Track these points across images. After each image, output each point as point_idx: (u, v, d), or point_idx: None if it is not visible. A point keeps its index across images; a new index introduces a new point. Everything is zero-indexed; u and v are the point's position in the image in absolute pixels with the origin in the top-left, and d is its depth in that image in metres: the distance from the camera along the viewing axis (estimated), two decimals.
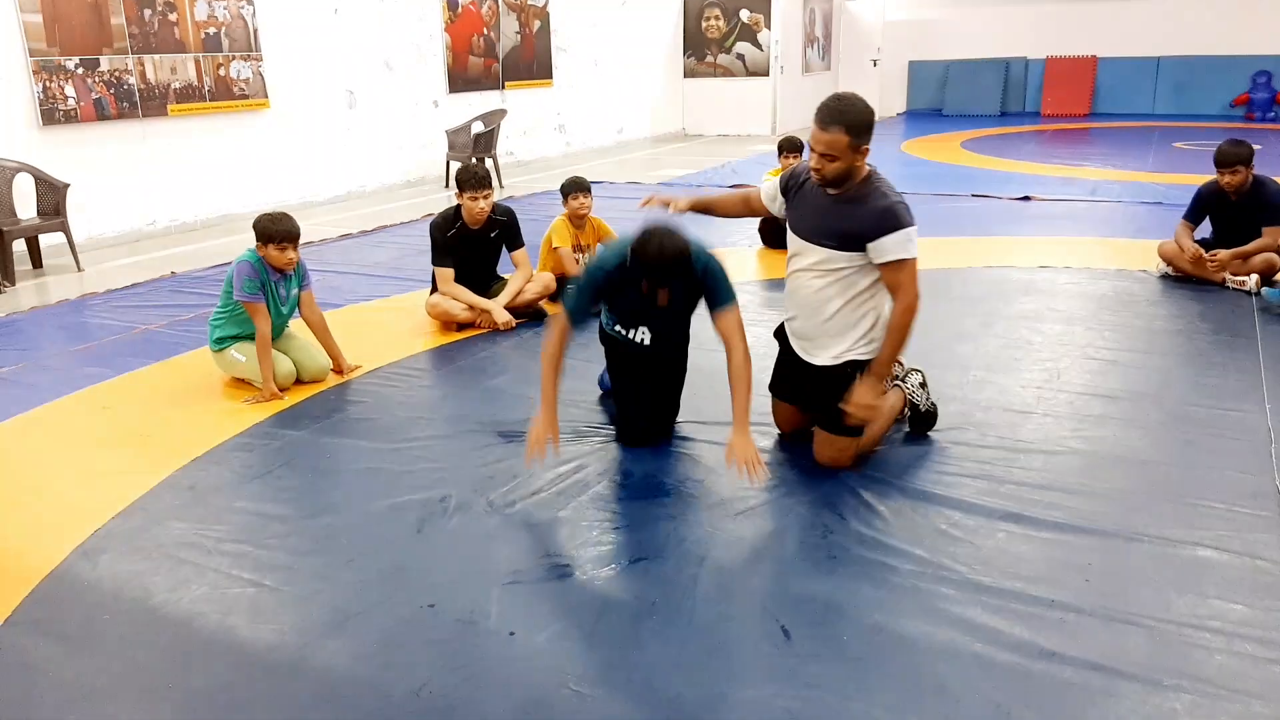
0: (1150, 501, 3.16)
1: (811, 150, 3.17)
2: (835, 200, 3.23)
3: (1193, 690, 2.24)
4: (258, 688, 2.36)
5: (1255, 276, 5.47)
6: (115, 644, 2.55)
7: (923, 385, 3.71)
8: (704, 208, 3.76)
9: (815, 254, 3.29)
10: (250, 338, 4.31)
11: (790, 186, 3.43)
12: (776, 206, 3.52)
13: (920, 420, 3.68)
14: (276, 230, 4.18)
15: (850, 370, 3.33)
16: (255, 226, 4.23)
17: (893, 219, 3.13)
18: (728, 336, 3.28)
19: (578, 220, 5.65)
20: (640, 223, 3.29)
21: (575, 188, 5.61)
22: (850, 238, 3.19)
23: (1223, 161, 5.53)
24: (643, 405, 3.70)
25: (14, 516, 3.29)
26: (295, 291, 4.46)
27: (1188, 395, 4.06)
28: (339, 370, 4.57)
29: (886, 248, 3.15)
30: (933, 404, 3.71)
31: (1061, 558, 2.84)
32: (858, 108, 3.10)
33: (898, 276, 3.19)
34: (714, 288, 3.30)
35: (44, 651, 2.53)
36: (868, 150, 3.13)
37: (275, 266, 4.25)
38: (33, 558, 2.99)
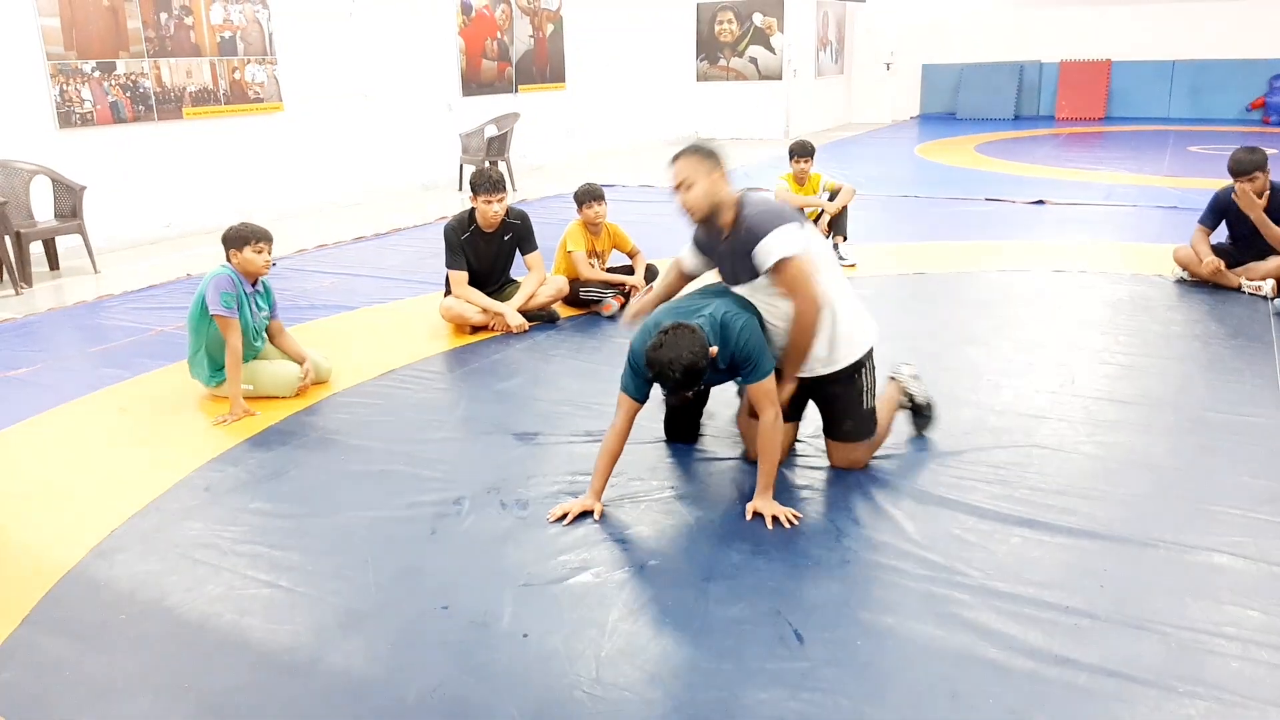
0: (1165, 507, 3.15)
1: (675, 191, 3.23)
2: (729, 241, 3.24)
3: (1208, 697, 2.23)
4: (273, 687, 2.37)
5: (1271, 281, 5.44)
6: (131, 643, 2.57)
7: (915, 377, 3.75)
8: (661, 300, 3.57)
9: (750, 288, 3.25)
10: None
11: (703, 244, 3.44)
12: (701, 264, 3.50)
13: (919, 415, 3.71)
14: (251, 231, 4.18)
15: (852, 372, 3.34)
16: (227, 235, 4.19)
17: (756, 233, 3.13)
18: (758, 401, 3.17)
19: (593, 227, 5.65)
20: (664, 319, 3.14)
21: (589, 196, 5.59)
22: (753, 267, 3.18)
23: (1240, 170, 5.46)
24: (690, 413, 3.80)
25: (31, 516, 3.32)
26: (265, 313, 4.38)
27: (1203, 400, 4.04)
28: (304, 376, 4.39)
29: (759, 258, 3.14)
30: (928, 396, 3.73)
31: (1076, 563, 2.83)
32: (699, 143, 3.24)
33: (783, 278, 3.14)
34: (744, 368, 3.16)
35: (61, 650, 2.55)
36: (722, 176, 3.18)
37: (252, 271, 4.21)
38: (50, 557, 3.01)
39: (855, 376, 3.36)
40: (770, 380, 3.16)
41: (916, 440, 3.70)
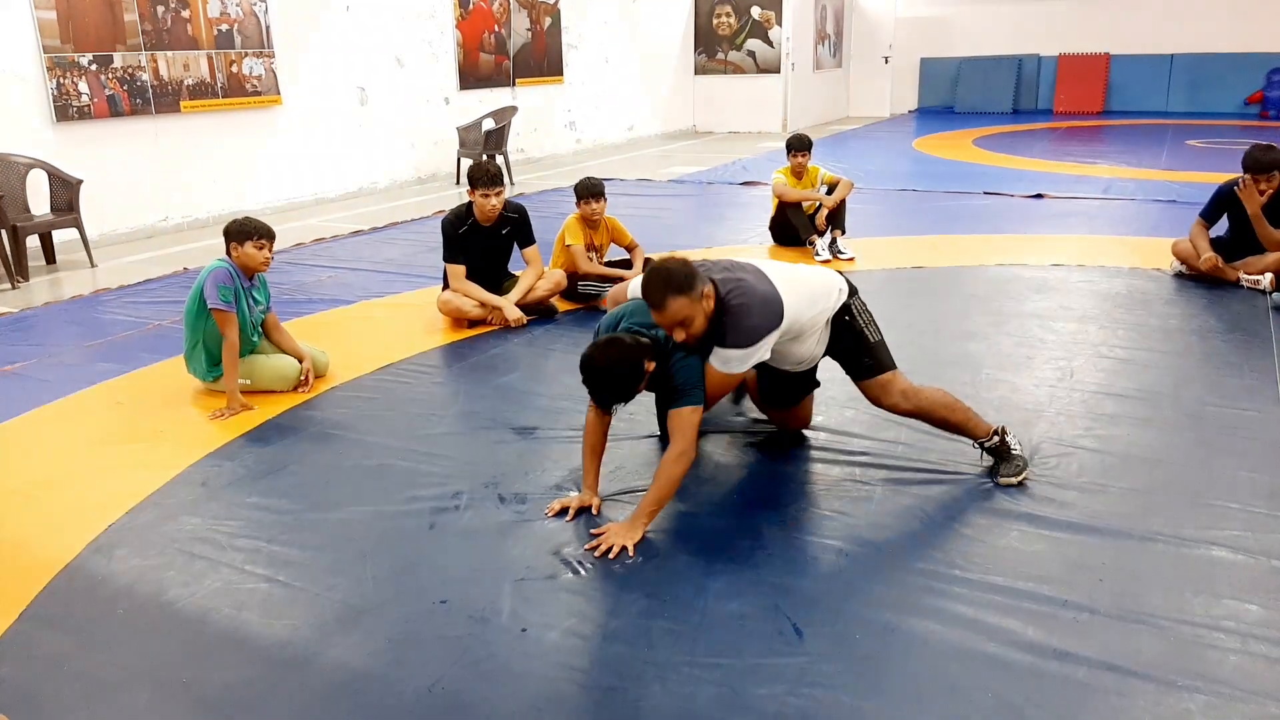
0: (1164, 501, 3.14)
1: (669, 331, 2.99)
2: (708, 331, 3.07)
3: (1207, 691, 2.23)
4: (271, 683, 2.36)
5: (1270, 276, 5.43)
6: (129, 638, 2.57)
7: (1019, 444, 3.43)
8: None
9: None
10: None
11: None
12: None
13: (1006, 460, 3.35)
14: (254, 227, 4.17)
15: (840, 317, 3.26)
16: (229, 229, 4.18)
17: (725, 337, 3.02)
18: (671, 430, 3.04)
19: (592, 222, 5.64)
20: (629, 318, 3.14)
21: (589, 193, 5.57)
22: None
23: (1258, 168, 5.40)
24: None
25: (28, 511, 3.31)
26: (262, 307, 4.36)
27: (1202, 394, 4.04)
28: (306, 378, 4.37)
29: (716, 353, 3.05)
30: (1021, 449, 3.41)
31: (1075, 557, 2.83)
32: (670, 270, 2.91)
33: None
34: (674, 393, 3.04)
35: (58, 645, 2.54)
36: (708, 292, 2.96)
37: (252, 267, 4.19)
38: (47, 552, 3.00)
39: (845, 320, 3.26)
40: (691, 413, 3.00)
41: (915, 437, 3.69)
